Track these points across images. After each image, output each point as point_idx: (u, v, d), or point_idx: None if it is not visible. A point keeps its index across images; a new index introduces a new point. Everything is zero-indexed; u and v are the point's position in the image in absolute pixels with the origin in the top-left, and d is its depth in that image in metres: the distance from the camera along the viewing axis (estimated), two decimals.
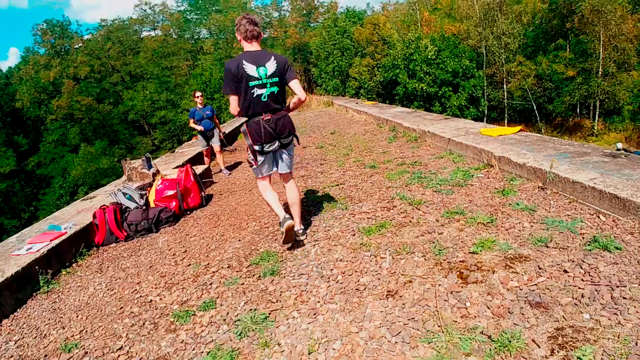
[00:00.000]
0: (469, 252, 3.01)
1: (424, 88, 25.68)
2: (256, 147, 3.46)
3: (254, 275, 3.29)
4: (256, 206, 5.31)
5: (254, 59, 3.33)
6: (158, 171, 6.79)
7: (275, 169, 3.73)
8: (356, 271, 3.04)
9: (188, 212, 5.66)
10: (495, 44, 31.03)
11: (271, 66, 3.36)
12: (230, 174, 7.90)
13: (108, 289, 3.58)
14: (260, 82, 3.31)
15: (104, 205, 4.95)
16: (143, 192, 5.69)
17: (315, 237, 3.82)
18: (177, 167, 7.70)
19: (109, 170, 31.57)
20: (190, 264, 3.76)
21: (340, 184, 5.55)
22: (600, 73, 27.23)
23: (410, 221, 3.79)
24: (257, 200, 5.56)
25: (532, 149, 4.90)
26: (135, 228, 4.92)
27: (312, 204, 4.88)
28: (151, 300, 3.21)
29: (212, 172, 7.87)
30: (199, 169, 7.09)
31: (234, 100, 3.40)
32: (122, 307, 3.19)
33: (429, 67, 25.74)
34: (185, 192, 5.69)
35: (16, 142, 35.82)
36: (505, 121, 31.65)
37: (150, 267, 3.90)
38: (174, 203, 5.55)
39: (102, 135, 37.95)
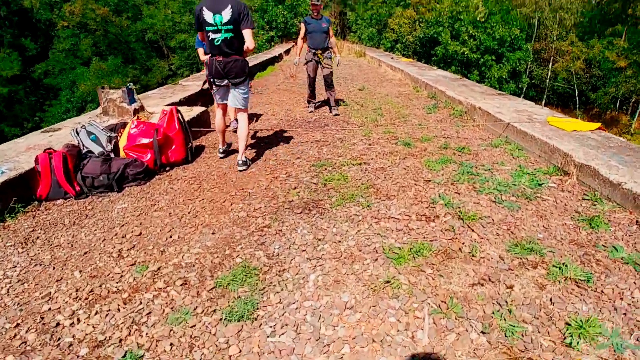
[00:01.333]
0: (561, 342, 1.83)
1: (465, 52, 23.47)
2: (210, 79, 4.19)
3: (215, 311, 2.15)
4: (251, 177, 4.13)
5: (212, 6, 3.85)
6: (142, 107, 5.56)
7: (227, 101, 4.33)
8: (374, 341, 1.89)
9: (167, 169, 4.49)
10: (550, 17, 28.16)
11: (226, 14, 3.83)
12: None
13: (18, 281, 2.50)
14: (215, 28, 3.89)
15: (50, 148, 3.78)
16: (113, 135, 4.50)
17: (320, 251, 2.65)
18: (170, 104, 6.47)
19: None
20: (135, 263, 2.64)
21: (364, 162, 4.30)
22: None
23: (460, 249, 2.59)
24: (255, 168, 4.36)
25: (624, 161, 3.58)
26: (91, 182, 3.79)
27: (323, 188, 3.68)
28: (58, 324, 2.11)
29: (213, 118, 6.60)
30: (193, 112, 5.84)
31: (199, 36, 4.13)
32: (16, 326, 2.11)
33: (475, 30, 23.36)
34: (165, 142, 4.49)
35: (23, 45, 33.77)
36: (543, 102, 29.40)
37: (86, 253, 2.79)
38: (148, 155, 4.37)
39: (116, 52, 35.92)
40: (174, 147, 4.59)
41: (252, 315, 2.08)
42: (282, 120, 6.50)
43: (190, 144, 4.81)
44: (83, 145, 4.27)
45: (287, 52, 20.34)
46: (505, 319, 1.96)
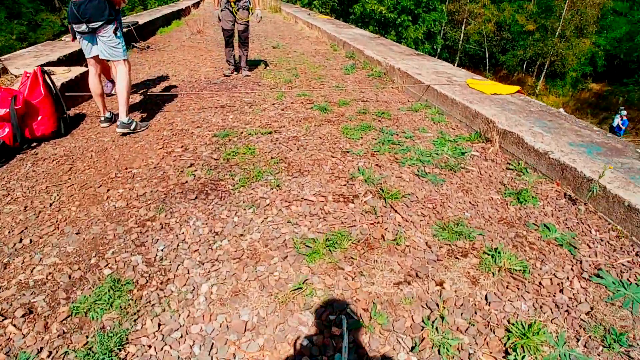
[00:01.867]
0: (503, 356, 1.53)
1: (382, 12, 23.28)
2: (70, 26, 3.63)
3: (66, 354, 1.56)
4: (138, 152, 3.42)
5: None
6: (4, 70, 4.48)
7: (96, 53, 3.74)
8: None
9: (33, 145, 3.61)
10: None
11: None
12: (113, 91, 5.09)
13: None
14: None
15: None
16: None
17: (216, 250, 2.13)
18: (46, 64, 5.35)
19: (5, 50, 25.92)
20: None
21: (275, 131, 3.77)
22: (557, 33, 26.47)
23: (383, 237, 2.22)
24: (144, 141, 3.65)
25: (548, 128, 3.44)
26: None
27: (225, 164, 3.11)
28: None
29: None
30: (70, 73, 4.83)
31: None
32: None
33: None
34: (28, 112, 3.59)
35: None
36: (456, 64, 30.51)
37: None
38: (6, 130, 3.46)
39: None
40: (40, 117, 3.69)
41: (118, 356, 1.53)
42: (183, 82, 5.69)
43: (64, 114, 3.93)
44: None
45: (197, 5, 18.62)
46: (437, 329, 1.61)
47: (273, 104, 4.59)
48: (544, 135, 3.23)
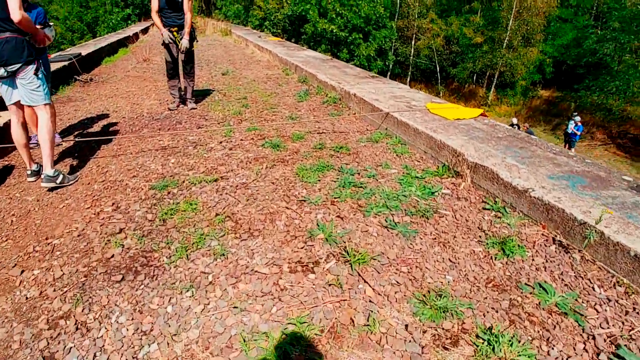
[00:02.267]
0: None
1: (334, 30, 23.35)
2: None
3: None
4: (63, 214, 2.89)
5: None
6: None
7: (17, 99, 3.32)
8: None
9: None
10: None
11: None
12: (61, 141, 4.38)
13: None
14: None
15: None
16: None
17: None
18: None
19: None
20: None
21: (222, 177, 3.32)
22: (505, 44, 27.49)
23: (352, 321, 1.82)
24: (72, 198, 3.11)
25: (521, 157, 3.19)
26: None
27: (161, 227, 2.63)
28: None
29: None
30: None
31: None
32: None
33: (341, 8, 23.31)
34: None
35: None
36: (408, 79, 31.08)
37: None
38: None
39: None
40: None
41: None
42: (124, 120, 5.15)
43: None
44: None
45: (145, 31, 17.95)
46: None
47: (220, 142, 4.15)
48: (520, 168, 2.97)
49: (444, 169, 3.44)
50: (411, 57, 30.75)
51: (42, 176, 3.25)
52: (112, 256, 2.34)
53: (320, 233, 2.48)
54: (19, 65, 3.10)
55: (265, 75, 7.89)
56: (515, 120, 17.85)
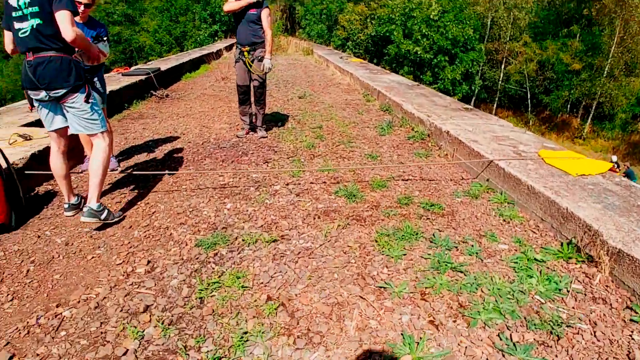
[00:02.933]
0: None
1: (418, 52, 22.46)
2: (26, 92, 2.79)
3: None
4: (87, 269, 2.41)
5: None
6: None
7: (62, 125, 2.89)
8: None
9: None
10: (504, 16, 27.69)
11: None
12: (117, 167, 4.03)
13: None
14: (21, 13, 2.56)
15: None
16: None
17: None
18: (27, 124, 4.59)
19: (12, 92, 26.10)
20: None
21: (283, 236, 2.69)
22: (605, 73, 24.74)
23: None
24: (105, 246, 2.64)
25: None
26: None
27: (196, 309, 2.03)
28: None
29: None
30: (33, 143, 3.97)
31: (7, 37, 2.73)
32: None
33: (428, 29, 22.40)
34: None
35: None
36: (495, 105, 29.06)
37: None
38: None
39: None
40: None
41: None
42: (189, 145, 4.78)
43: (20, 200, 3.04)
44: None
45: (229, 48, 18.41)
46: None
47: (287, 184, 3.55)
48: None
49: (571, 248, 2.53)
50: (499, 82, 28.82)
51: (84, 209, 2.82)
52: (125, 353, 1.77)
53: (406, 353, 1.72)
54: (65, 90, 2.69)
55: (344, 101, 7.30)
56: (615, 158, 15.68)
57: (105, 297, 2.17)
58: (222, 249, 2.55)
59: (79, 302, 2.15)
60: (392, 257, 2.41)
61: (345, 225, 2.81)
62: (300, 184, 3.56)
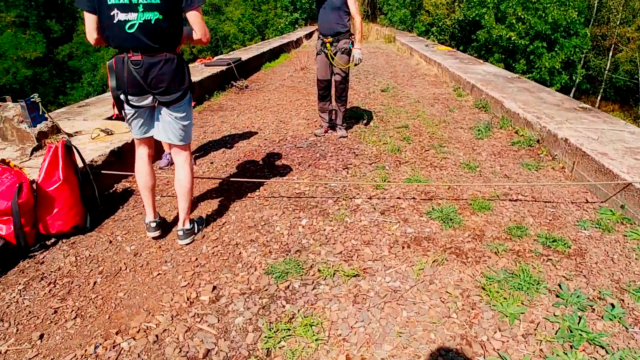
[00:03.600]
0: None
1: (512, 38, 20.56)
2: (122, 96, 2.29)
3: None
4: (158, 287, 2.18)
5: None
6: (55, 129, 3.72)
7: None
8: None
9: (45, 246, 2.66)
10: None
11: None
12: (194, 162, 3.94)
13: None
14: (127, 0, 2.08)
15: None
16: None
17: None
18: (111, 118, 4.60)
19: None
20: None
21: (365, 269, 2.26)
22: None
23: None
24: (183, 258, 2.41)
25: None
26: None
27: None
28: None
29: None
30: (115, 139, 3.89)
31: (89, 21, 2.17)
32: None
33: (524, 12, 20.38)
34: (41, 203, 2.65)
35: (48, 26, 32.86)
36: (599, 97, 25.98)
37: None
38: (4, 228, 2.53)
39: None
40: (56, 210, 2.71)
41: None
42: (265, 142, 4.51)
43: (96, 201, 2.97)
44: None
45: (309, 36, 18.18)
46: None
47: (370, 198, 3.10)
48: None
49: None
50: (606, 72, 25.71)
51: (179, 232, 2.59)
52: None
53: None
54: (179, 94, 2.34)
55: (432, 95, 6.64)
56: None
57: (165, 330, 1.91)
58: (295, 280, 2.19)
59: (138, 331, 1.91)
60: (507, 316, 1.88)
61: (442, 260, 2.31)
62: (385, 198, 3.10)
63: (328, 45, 4.20)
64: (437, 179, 3.42)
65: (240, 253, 2.49)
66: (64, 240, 2.73)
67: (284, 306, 2.01)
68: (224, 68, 7.61)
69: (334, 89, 4.46)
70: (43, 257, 2.57)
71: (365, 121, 5.16)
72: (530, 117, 4.39)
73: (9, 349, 1.86)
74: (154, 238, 2.66)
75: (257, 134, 4.83)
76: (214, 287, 2.18)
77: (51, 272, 2.41)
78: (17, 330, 1.97)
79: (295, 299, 2.05)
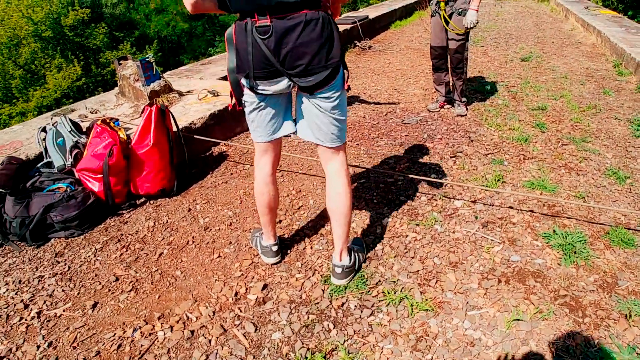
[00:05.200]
0: None
1: None
2: (242, 80, 1.59)
3: None
4: (215, 270, 2.06)
5: None
6: (167, 87, 3.82)
7: (291, 130, 1.78)
8: None
9: (134, 205, 2.78)
10: None
11: None
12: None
13: None
14: None
15: None
16: (81, 141, 2.87)
17: None
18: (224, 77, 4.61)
19: None
20: None
21: (438, 307, 1.82)
22: None
23: None
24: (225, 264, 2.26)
25: None
26: (6, 228, 2.41)
27: None
28: None
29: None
30: (218, 101, 3.81)
31: None
32: None
33: None
34: (132, 164, 2.75)
35: None
36: None
37: None
38: (96, 185, 2.65)
39: None
40: (144, 172, 2.79)
41: None
42: (371, 114, 4.15)
43: (184, 165, 3.04)
44: (46, 153, 2.80)
45: None
46: None
47: (473, 202, 2.56)
48: None
49: None
50: None
51: (337, 269, 1.91)
52: None
53: None
54: (326, 73, 1.56)
55: (584, 70, 5.42)
56: None
57: (202, 327, 1.77)
58: (353, 298, 1.85)
59: (178, 321, 1.81)
60: None
61: (549, 313, 1.73)
62: (493, 205, 2.52)
63: (442, 4, 3.56)
64: (569, 188, 2.69)
65: (304, 249, 2.22)
66: (151, 202, 2.77)
67: (329, 330, 1.70)
68: (348, 27, 7.21)
69: (449, 58, 3.81)
70: (128, 217, 2.63)
71: (492, 98, 4.39)
72: None
73: (63, 314, 1.89)
74: (273, 264, 2.12)
75: (365, 103, 4.45)
76: (265, 286, 1.96)
77: (129, 234, 2.45)
78: (78, 294, 2.01)
79: (345, 325, 1.73)
